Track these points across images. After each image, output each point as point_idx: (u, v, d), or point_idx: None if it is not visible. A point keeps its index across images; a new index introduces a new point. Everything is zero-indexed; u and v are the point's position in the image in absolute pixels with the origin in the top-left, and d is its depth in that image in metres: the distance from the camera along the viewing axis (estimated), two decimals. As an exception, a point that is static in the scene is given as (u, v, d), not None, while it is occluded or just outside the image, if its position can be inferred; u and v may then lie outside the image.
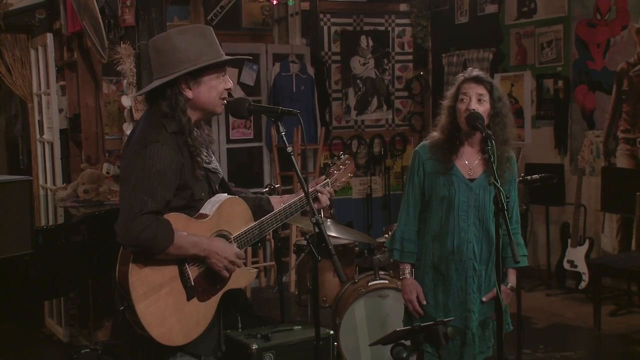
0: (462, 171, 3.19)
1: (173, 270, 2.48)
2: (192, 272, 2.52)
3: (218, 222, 2.59)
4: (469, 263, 3.18)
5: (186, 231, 2.48)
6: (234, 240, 2.62)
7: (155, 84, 2.55)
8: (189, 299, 2.50)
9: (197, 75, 2.53)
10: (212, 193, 2.65)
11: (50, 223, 4.86)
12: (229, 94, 2.67)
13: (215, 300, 2.59)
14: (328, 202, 2.82)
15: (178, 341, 2.49)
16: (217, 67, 2.58)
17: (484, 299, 3.21)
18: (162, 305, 2.44)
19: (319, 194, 2.81)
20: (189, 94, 2.54)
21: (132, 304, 2.39)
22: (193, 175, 2.53)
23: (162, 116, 2.52)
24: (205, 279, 2.55)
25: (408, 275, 3.30)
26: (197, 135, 2.58)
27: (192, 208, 2.55)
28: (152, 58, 2.59)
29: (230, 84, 2.64)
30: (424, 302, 3.26)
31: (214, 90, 2.57)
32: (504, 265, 3.24)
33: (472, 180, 3.19)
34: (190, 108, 2.56)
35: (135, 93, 4.82)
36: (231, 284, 2.62)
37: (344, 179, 2.94)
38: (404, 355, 2.88)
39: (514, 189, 3.28)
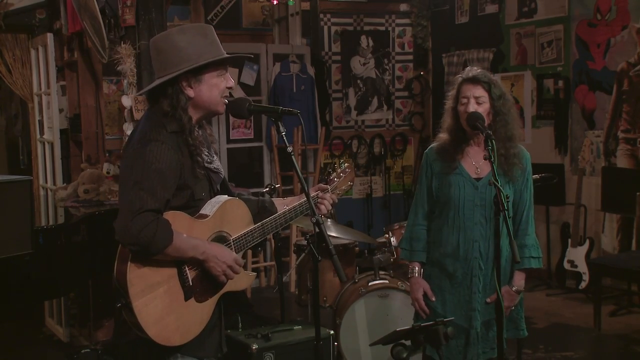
0: (469, 170, 3.22)
1: (171, 270, 2.48)
2: (191, 272, 2.52)
3: (218, 223, 2.58)
4: (475, 262, 3.19)
5: (187, 230, 2.47)
6: (233, 242, 2.61)
7: (156, 82, 2.55)
8: (186, 299, 2.50)
9: (198, 73, 2.53)
10: (214, 193, 2.64)
11: (50, 223, 4.86)
12: (230, 94, 2.67)
13: (213, 301, 2.58)
14: (329, 210, 2.81)
15: (175, 341, 2.48)
16: (218, 66, 2.57)
17: (487, 300, 3.23)
18: (159, 303, 2.44)
19: (319, 199, 2.79)
20: (190, 92, 2.54)
21: (129, 301, 2.38)
22: (193, 175, 2.53)
23: (162, 115, 2.51)
24: (203, 280, 2.54)
25: (416, 274, 3.33)
26: (198, 135, 2.57)
27: (192, 207, 2.55)
28: (153, 57, 2.59)
29: (231, 82, 2.63)
30: (433, 299, 3.28)
31: (215, 88, 2.57)
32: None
33: (478, 179, 3.20)
34: (192, 107, 2.55)
35: (135, 93, 4.82)
36: (230, 286, 2.61)
37: (344, 187, 2.93)
38: (404, 355, 2.89)
39: (526, 188, 3.27)
